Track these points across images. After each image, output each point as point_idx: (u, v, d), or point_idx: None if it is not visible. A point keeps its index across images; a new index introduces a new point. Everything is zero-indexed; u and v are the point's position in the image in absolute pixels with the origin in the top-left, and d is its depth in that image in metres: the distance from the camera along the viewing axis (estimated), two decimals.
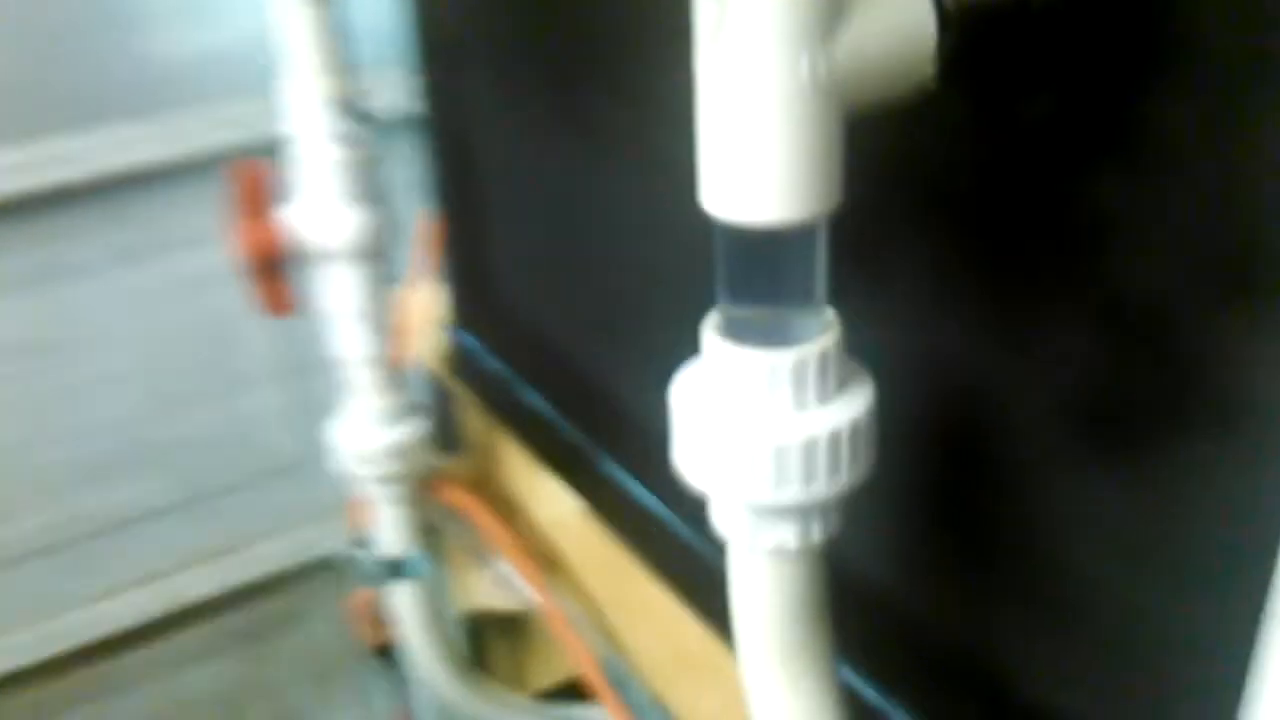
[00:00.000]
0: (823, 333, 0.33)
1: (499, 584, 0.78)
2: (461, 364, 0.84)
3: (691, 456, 0.35)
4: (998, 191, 0.36)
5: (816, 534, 0.36)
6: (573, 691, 0.79)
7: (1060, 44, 0.32)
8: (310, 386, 1.51)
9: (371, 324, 0.69)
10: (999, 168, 0.35)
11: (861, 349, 0.35)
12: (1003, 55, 0.32)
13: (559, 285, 0.70)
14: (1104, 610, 0.37)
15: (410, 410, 0.74)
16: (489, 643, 0.95)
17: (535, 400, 0.75)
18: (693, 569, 0.60)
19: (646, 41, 0.50)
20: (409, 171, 0.82)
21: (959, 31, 0.31)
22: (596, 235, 0.62)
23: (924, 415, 0.41)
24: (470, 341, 0.82)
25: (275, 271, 0.67)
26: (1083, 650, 0.38)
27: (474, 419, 0.86)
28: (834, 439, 0.33)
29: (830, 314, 0.34)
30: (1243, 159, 0.29)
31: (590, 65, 0.56)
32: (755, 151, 0.30)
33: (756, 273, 0.33)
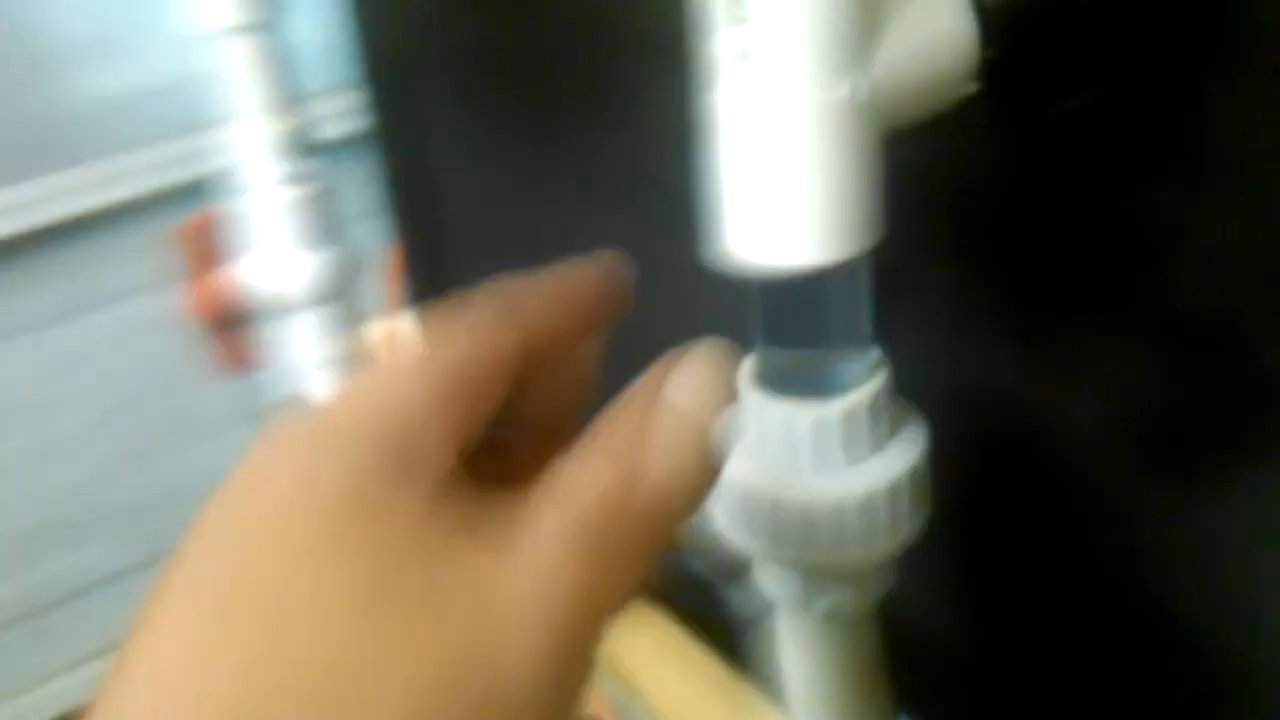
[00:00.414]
0: (872, 375, 0.30)
1: None
2: None
3: (737, 519, 0.32)
4: (1045, 205, 0.33)
5: (874, 593, 0.33)
6: None
7: (1111, 43, 0.29)
8: None
9: (341, 373, 0.65)
10: (1045, 179, 0.32)
11: (906, 384, 0.32)
12: (1048, 57, 0.29)
13: None
14: (1190, 650, 0.35)
15: None
16: None
17: None
18: (707, 606, 0.57)
19: (637, 56, 0.47)
20: (363, 195, 0.78)
21: (1003, 40, 0.28)
22: (568, 258, 0.59)
23: (975, 450, 0.38)
24: None
25: (233, 327, 0.63)
26: (1164, 694, 0.36)
27: None
28: (893, 492, 0.30)
29: (877, 353, 0.31)
30: None
31: (569, 82, 0.53)
32: (792, 188, 0.27)
33: (797, 316, 0.30)
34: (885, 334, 0.31)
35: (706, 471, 0.22)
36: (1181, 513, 0.33)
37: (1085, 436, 0.35)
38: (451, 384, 0.22)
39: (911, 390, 0.32)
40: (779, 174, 0.27)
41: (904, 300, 0.38)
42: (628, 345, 0.57)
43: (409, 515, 0.19)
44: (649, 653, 0.67)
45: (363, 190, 0.77)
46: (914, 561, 0.34)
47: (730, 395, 0.23)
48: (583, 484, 0.21)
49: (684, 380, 0.23)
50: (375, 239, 0.79)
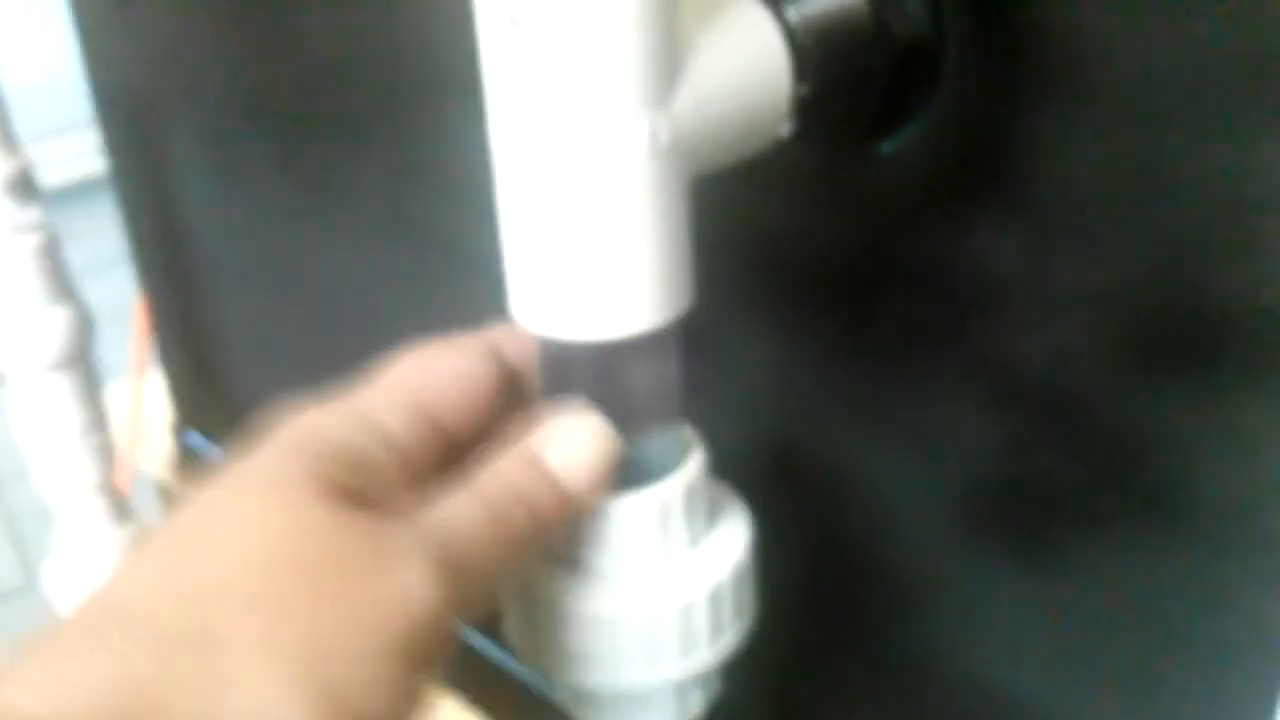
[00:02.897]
0: (685, 458, 0.26)
1: None
2: (197, 471, 0.73)
3: (529, 639, 0.27)
4: (868, 255, 0.29)
5: (695, 706, 0.28)
6: None
7: (931, 78, 0.26)
8: (23, 496, 1.32)
9: (86, 444, 0.57)
10: (868, 227, 0.29)
11: (719, 459, 0.28)
12: (863, 98, 0.26)
13: (302, 372, 0.60)
14: None
15: (144, 540, 0.62)
16: None
17: None
18: (521, 704, 0.52)
19: (398, 91, 0.42)
20: (101, 245, 0.70)
21: (817, 78, 0.24)
22: (343, 308, 0.53)
23: (796, 524, 0.34)
24: (202, 444, 0.71)
25: None
26: None
27: None
28: (715, 595, 0.26)
29: (689, 432, 0.27)
30: (1150, 202, 0.24)
31: (327, 118, 0.47)
32: (587, 247, 0.22)
33: (596, 394, 0.25)
34: (693, 402, 0.27)
35: (561, 521, 0.25)
36: (1015, 586, 0.30)
37: (917, 503, 0.31)
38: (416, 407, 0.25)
39: (726, 466, 0.28)
40: (574, 235, 0.22)
41: (715, 364, 0.34)
42: None
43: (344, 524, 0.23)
44: None
45: (101, 239, 0.69)
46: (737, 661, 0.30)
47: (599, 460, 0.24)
48: (453, 519, 0.23)
49: (554, 438, 0.24)
50: (118, 292, 0.71)
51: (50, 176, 0.61)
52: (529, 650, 0.27)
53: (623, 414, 0.26)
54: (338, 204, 0.49)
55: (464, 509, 0.23)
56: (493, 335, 0.26)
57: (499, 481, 0.24)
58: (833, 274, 0.30)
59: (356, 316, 0.52)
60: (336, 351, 0.55)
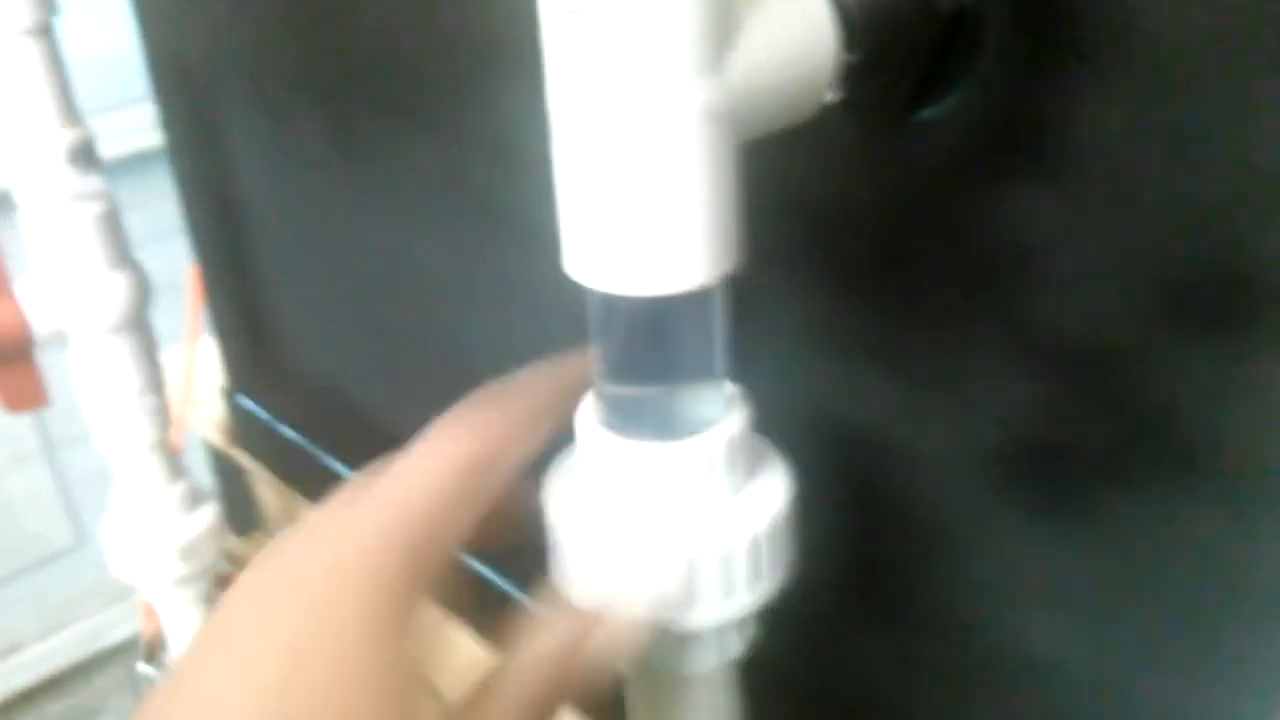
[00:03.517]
0: (728, 413, 0.27)
1: None
2: (247, 434, 0.75)
3: (584, 573, 0.28)
4: (908, 220, 0.30)
5: (733, 649, 0.30)
6: None
7: (972, 48, 0.27)
8: (78, 459, 1.35)
9: (145, 406, 0.59)
10: (908, 193, 0.30)
11: (761, 415, 0.29)
12: (911, 62, 0.27)
13: (353, 339, 0.62)
14: (1046, 687, 0.33)
15: (196, 497, 0.64)
16: None
17: (340, 467, 0.66)
18: None
19: (455, 60, 0.43)
20: (159, 216, 0.72)
21: (864, 46, 0.25)
22: (392, 278, 0.55)
23: (834, 480, 0.35)
24: (253, 408, 0.73)
25: (18, 361, 0.56)
26: None
27: (271, 494, 0.76)
28: (754, 543, 0.27)
29: (732, 389, 0.28)
30: (1186, 168, 0.25)
31: (381, 88, 0.48)
32: (640, 205, 0.24)
33: (646, 348, 0.27)
34: (738, 360, 0.28)
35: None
36: (1046, 547, 0.31)
37: (950, 465, 0.32)
38: (462, 486, 0.26)
39: (767, 422, 0.29)
40: (628, 194, 0.23)
41: (757, 324, 0.35)
42: (449, 366, 0.53)
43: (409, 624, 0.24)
44: None
45: (158, 210, 0.70)
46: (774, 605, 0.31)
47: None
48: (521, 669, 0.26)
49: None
50: (173, 262, 0.73)
51: (110, 148, 0.62)
52: (579, 596, 0.28)
53: (671, 368, 0.27)
54: (390, 176, 0.51)
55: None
56: (543, 386, 0.28)
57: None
58: (872, 237, 0.31)
59: (405, 286, 0.54)
60: (385, 320, 0.57)
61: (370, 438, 0.62)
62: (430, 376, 0.55)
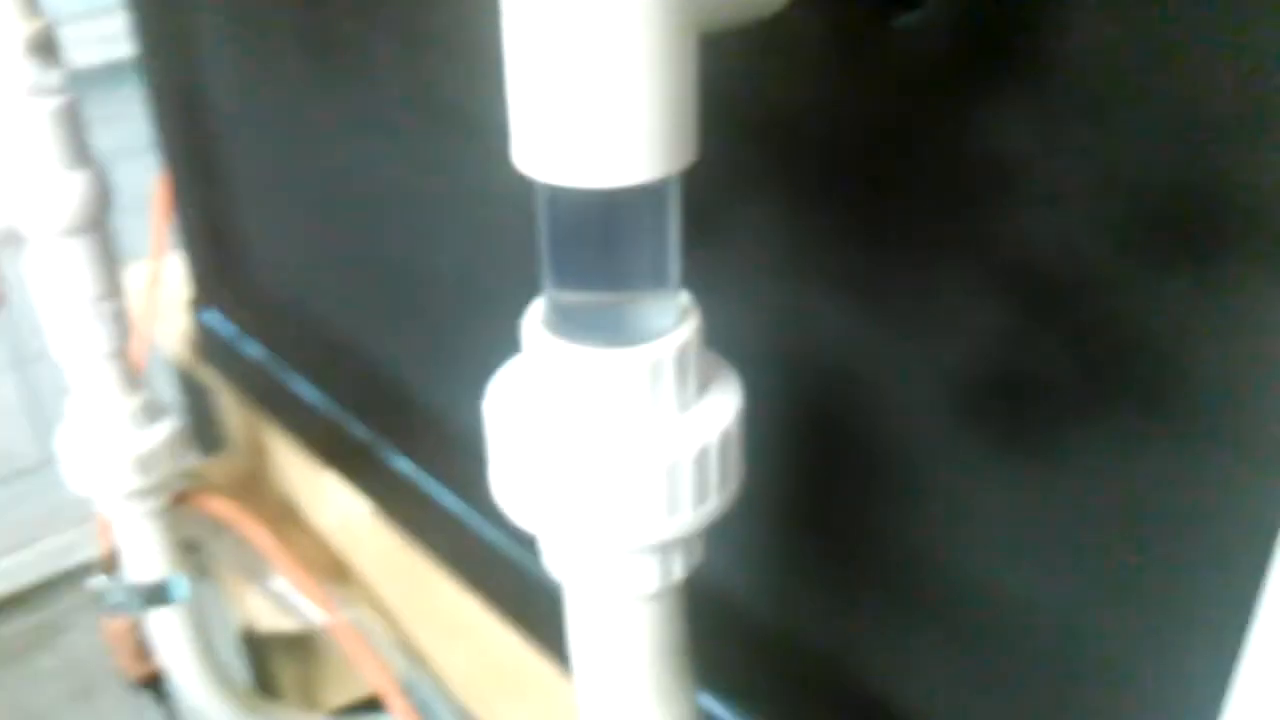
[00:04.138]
0: (680, 323, 0.26)
1: (275, 602, 0.68)
2: (212, 350, 0.73)
3: (516, 488, 0.27)
4: (877, 133, 0.29)
5: (679, 570, 0.29)
6: (373, 706, 0.71)
7: None
8: (47, 374, 1.34)
9: (100, 312, 0.58)
10: (878, 104, 0.29)
11: (718, 334, 0.28)
12: None
13: (319, 256, 0.60)
14: (1003, 627, 0.32)
15: (154, 411, 0.63)
16: (274, 662, 0.85)
17: (306, 389, 0.65)
18: (502, 574, 0.53)
19: None
20: (123, 128, 0.70)
21: None
22: (361, 190, 0.53)
23: (788, 404, 0.34)
24: (220, 322, 0.71)
25: None
26: (977, 671, 0.33)
27: (235, 414, 0.75)
28: (702, 458, 0.26)
29: (685, 298, 0.27)
30: (1167, 86, 0.24)
31: None
32: (588, 89, 0.22)
33: (593, 250, 0.25)
34: (694, 277, 0.27)
35: None
36: (1010, 480, 0.30)
37: (913, 395, 0.31)
38: None
39: (725, 340, 0.28)
40: (575, 75, 0.22)
41: (716, 239, 0.34)
42: (415, 283, 0.52)
43: None
44: (440, 627, 0.62)
45: (129, 123, 0.68)
46: (723, 529, 0.30)
47: None
48: None
49: None
50: (144, 178, 0.71)
51: (81, 57, 0.61)
52: (516, 510, 0.27)
53: (619, 274, 0.26)
54: (359, 84, 0.49)
55: None
56: None
57: None
58: (841, 149, 0.30)
59: (372, 199, 0.52)
60: (353, 236, 0.56)
61: (336, 357, 0.61)
62: (396, 294, 0.53)
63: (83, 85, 0.55)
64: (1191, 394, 0.26)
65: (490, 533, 0.52)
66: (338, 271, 0.59)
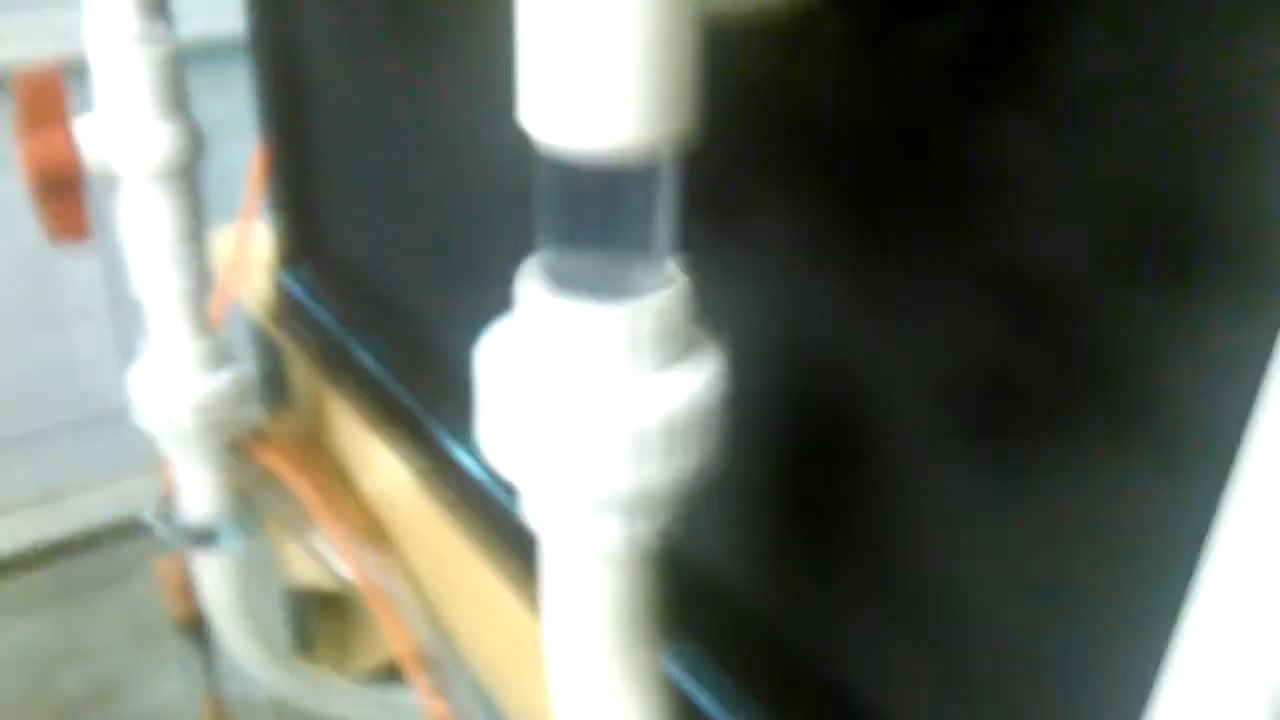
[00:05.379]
0: (663, 288, 0.27)
1: (315, 558, 0.70)
2: (288, 312, 0.76)
3: (497, 434, 0.28)
4: (879, 132, 0.30)
5: (643, 532, 0.30)
6: (397, 672, 0.73)
7: None
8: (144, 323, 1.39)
9: (178, 255, 0.61)
10: (881, 104, 0.29)
11: (713, 313, 0.29)
12: None
13: (387, 228, 0.62)
14: (967, 623, 0.32)
15: (223, 358, 0.66)
16: (313, 619, 0.88)
17: (364, 355, 0.67)
18: (523, 551, 0.54)
19: None
20: (235, 102, 0.74)
21: None
22: (424, 172, 0.55)
23: (781, 391, 0.35)
24: (297, 288, 0.74)
25: (66, 192, 0.58)
26: (942, 669, 0.34)
27: (301, 374, 0.78)
28: (669, 418, 0.27)
29: (673, 268, 0.28)
30: (1165, 115, 0.24)
31: None
32: (585, 53, 0.23)
33: (586, 212, 0.27)
34: (697, 254, 0.28)
35: None
36: (982, 482, 0.31)
37: (901, 388, 0.32)
38: None
39: (720, 317, 0.29)
40: (572, 37, 0.23)
41: (720, 219, 0.35)
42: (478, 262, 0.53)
43: None
44: (465, 599, 0.63)
45: (236, 95, 0.72)
46: (707, 503, 0.31)
47: None
48: None
49: None
50: (243, 144, 0.75)
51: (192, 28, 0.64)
52: (496, 455, 0.29)
53: (613, 233, 0.27)
54: (430, 64, 0.51)
55: None
56: None
57: None
58: (848, 148, 0.31)
59: (430, 175, 0.54)
60: (414, 208, 0.58)
61: (394, 326, 0.63)
62: (448, 268, 0.55)
63: (206, 54, 0.58)
64: (1154, 412, 0.26)
65: (513, 507, 0.54)
66: (401, 245, 0.61)
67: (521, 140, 0.26)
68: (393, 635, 0.65)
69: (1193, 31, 0.23)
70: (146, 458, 1.40)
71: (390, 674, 0.79)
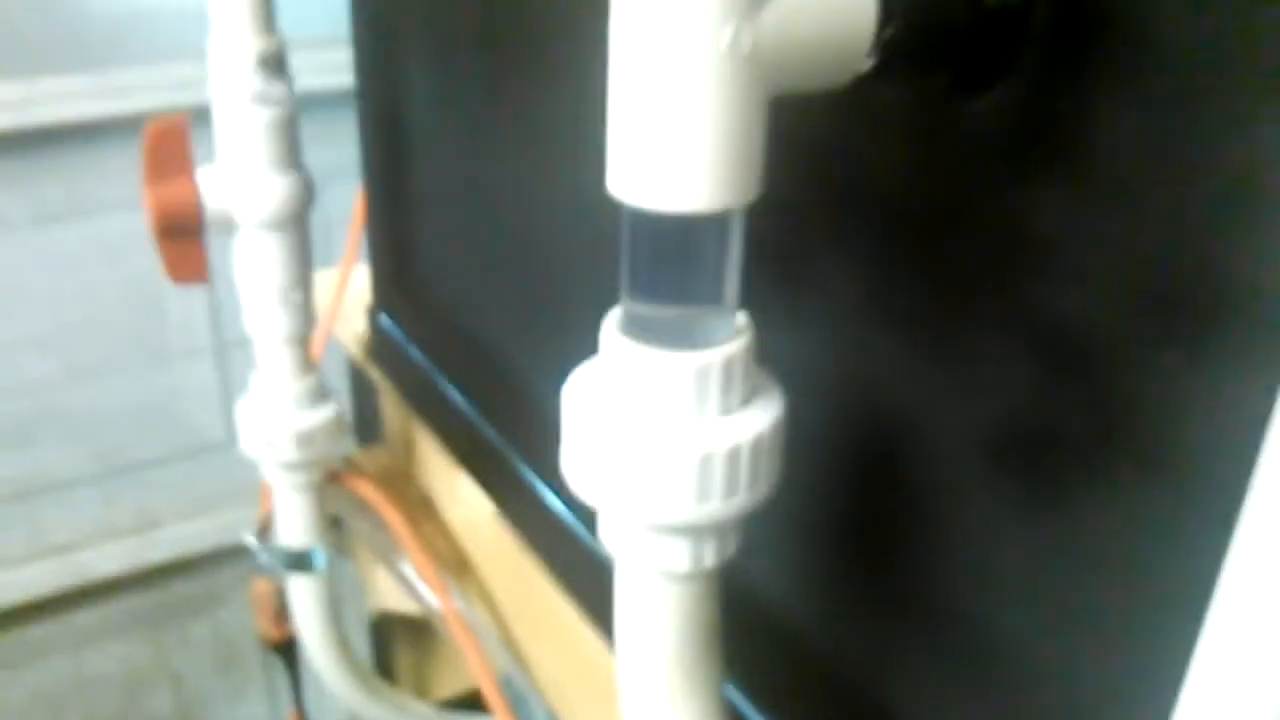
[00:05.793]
0: (731, 338, 0.30)
1: (402, 586, 0.74)
2: (381, 351, 0.81)
3: (578, 464, 0.32)
4: (929, 198, 0.33)
5: (710, 557, 0.32)
6: (477, 702, 0.76)
7: (1010, 45, 0.29)
8: (246, 360, 1.46)
9: (286, 299, 0.65)
10: (931, 172, 0.32)
11: (775, 360, 0.32)
12: (947, 51, 0.29)
13: (476, 273, 0.66)
14: (1005, 657, 0.35)
15: (322, 394, 0.70)
16: (395, 646, 0.91)
17: (453, 393, 0.71)
18: (597, 584, 0.57)
19: (571, 12, 0.47)
20: (340, 150, 0.79)
21: (903, 22, 0.28)
22: (513, 222, 0.59)
23: (835, 434, 0.38)
24: (391, 327, 0.78)
25: (187, 236, 0.63)
26: (980, 698, 0.36)
27: (393, 410, 0.82)
28: (732, 455, 0.30)
29: (741, 319, 0.31)
30: (1193, 191, 0.27)
31: (514, 36, 0.53)
32: (667, 129, 0.27)
33: (663, 267, 0.30)
34: (760, 309, 0.31)
35: None
36: (1019, 525, 0.33)
37: (947, 436, 0.34)
38: None
39: (778, 367, 0.32)
40: (656, 115, 0.27)
41: (780, 272, 0.38)
42: (561, 307, 0.57)
43: None
44: (542, 630, 0.66)
45: (340, 144, 0.77)
46: (764, 535, 0.34)
47: None
48: None
49: None
50: (346, 190, 0.80)
51: (312, 81, 0.69)
52: (576, 481, 0.32)
53: (688, 287, 0.30)
54: (526, 123, 0.55)
55: None
56: None
57: None
58: (899, 212, 0.34)
59: (516, 222, 0.58)
60: (501, 253, 0.62)
61: (480, 366, 0.67)
62: (532, 311, 0.59)
63: (315, 105, 0.63)
64: (1179, 463, 0.28)
65: (589, 541, 0.57)
66: (490, 292, 0.65)
67: (605, 202, 0.29)
68: (472, 663, 0.68)
69: (1215, 113, 0.26)
70: (240, 489, 1.47)
71: (467, 703, 0.83)
